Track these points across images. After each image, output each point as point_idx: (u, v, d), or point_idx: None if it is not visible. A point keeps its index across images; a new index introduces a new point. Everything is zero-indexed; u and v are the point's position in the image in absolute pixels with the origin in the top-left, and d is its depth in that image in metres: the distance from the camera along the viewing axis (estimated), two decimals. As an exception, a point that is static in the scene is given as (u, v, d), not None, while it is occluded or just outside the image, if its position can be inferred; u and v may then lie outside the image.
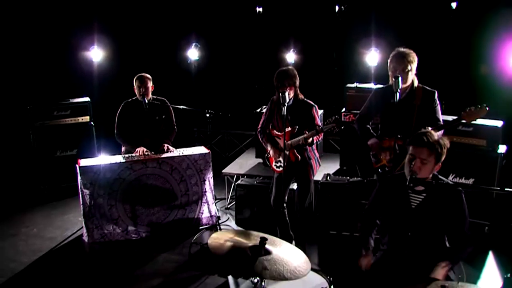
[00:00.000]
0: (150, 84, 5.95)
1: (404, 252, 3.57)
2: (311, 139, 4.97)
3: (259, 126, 5.48)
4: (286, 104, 4.74)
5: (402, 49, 4.62)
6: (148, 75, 5.98)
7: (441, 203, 3.49)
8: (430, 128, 4.01)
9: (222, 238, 3.33)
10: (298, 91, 5.19)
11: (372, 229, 3.82)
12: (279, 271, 3.02)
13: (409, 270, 3.48)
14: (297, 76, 5.13)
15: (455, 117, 4.61)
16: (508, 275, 3.68)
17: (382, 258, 3.72)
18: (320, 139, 5.16)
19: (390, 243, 3.70)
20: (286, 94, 4.79)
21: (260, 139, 5.46)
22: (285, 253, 3.22)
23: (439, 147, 3.44)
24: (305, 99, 5.21)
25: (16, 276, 5.11)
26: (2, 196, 7.09)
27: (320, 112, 6.71)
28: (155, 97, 6.09)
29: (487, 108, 4.36)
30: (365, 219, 3.84)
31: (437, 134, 3.55)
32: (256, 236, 3.29)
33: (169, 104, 6.17)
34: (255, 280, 3.19)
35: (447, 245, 3.63)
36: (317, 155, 5.37)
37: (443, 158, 3.49)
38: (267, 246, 3.20)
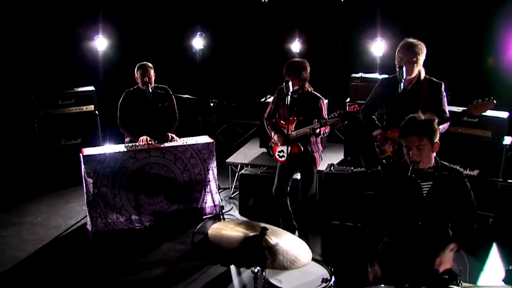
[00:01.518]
0: (152, 72, 5.96)
1: (411, 243, 3.54)
2: (318, 130, 4.96)
3: (266, 113, 5.49)
4: (289, 93, 4.74)
5: (410, 40, 4.58)
6: (150, 64, 5.99)
7: (448, 189, 3.48)
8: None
9: (222, 228, 3.31)
10: (307, 83, 5.19)
11: (382, 228, 3.75)
12: (279, 260, 3.01)
13: (415, 261, 3.47)
14: (306, 68, 5.13)
15: (461, 108, 4.58)
16: (510, 267, 3.67)
17: (386, 249, 3.70)
18: (327, 130, 5.15)
19: (395, 235, 3.67)
20: (290, 83, 4.78)
21: (266, 126, 5.47)
22: (287, 243, 3.21)
23: (427, 126, 3.39)
24: (313, 91, 5.22)
25: (21, 264, 5.15)
26: (7, 185, 7.12)
27: (325, 101, 6.70)
28: (157, 85, 6.10)
29: (495, 101, 4.32)
30: (375, 216, 3.77)
31: (423, 115, 3.47)
32: (257, 226, 3.27)
33: (171, 92, 6.18)
34: (255, 270, 3.17)
35: (450, 234, 3.62)
36: (321, 149, 5.37)
37: (437, 136, 3.45)
38: (268, 236, 3.18)
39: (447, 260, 3.37)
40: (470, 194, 3.54)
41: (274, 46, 8.66)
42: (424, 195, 3.53)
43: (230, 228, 3.30)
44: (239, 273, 4.80)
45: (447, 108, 4.66)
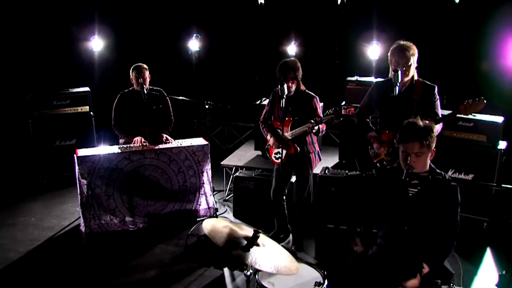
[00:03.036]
0: (147, 73, 5.95)
1: (400, 246, 3.54)
2: (317, 127, 4.94)
3: (261, 116, 5.48)
4: (285, 96, 4.73)
5: (402, 42, 4.57)
6: (145, 65, 5.98)
7: (436, 196, 3.46)
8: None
9: (217, 224, 3.30)
10: (300, 83, 5.18)
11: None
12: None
13: (404, 264, 3.46)
14: (300, 68, 5.11)
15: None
16: (504, 272, 3.67)
17: (378, 252, 3.70)
18: (324, 128, 5.11)
19: (387, 237, 3.68)
20: (285, 86, 4.77)
21: (261, 129, 5.45)
22: (274, 251, 3.19)
23: (428, 134, 3.38)
24: (306, 90, 5.21)
25: (13, 265, 5.12)
26: (1, 185, 7.09)
27: (321, 104, 6.70)
28: (152, 87, 6.09)
29: (485, 102, 4.33)
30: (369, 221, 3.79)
31: (422, 121, 3.46)
32: (247, 230, 3.26)
33: (166, 95, 6.17)
34: (248, 273, 3.16)
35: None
36: (318, 149, 5.35)
37: (434, 143, 3.44)
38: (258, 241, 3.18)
39: (417, 283, 3.33)
40: (457, 204, 3.48)
41: (270, 49, 8.65)
42: (410, 195, 3.53)
43: (224, 227, 3.29)
44: (232, 276, 4.78)
45: (440, 111, 4.66)
